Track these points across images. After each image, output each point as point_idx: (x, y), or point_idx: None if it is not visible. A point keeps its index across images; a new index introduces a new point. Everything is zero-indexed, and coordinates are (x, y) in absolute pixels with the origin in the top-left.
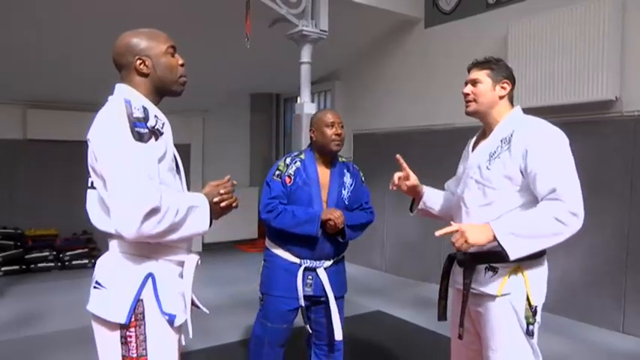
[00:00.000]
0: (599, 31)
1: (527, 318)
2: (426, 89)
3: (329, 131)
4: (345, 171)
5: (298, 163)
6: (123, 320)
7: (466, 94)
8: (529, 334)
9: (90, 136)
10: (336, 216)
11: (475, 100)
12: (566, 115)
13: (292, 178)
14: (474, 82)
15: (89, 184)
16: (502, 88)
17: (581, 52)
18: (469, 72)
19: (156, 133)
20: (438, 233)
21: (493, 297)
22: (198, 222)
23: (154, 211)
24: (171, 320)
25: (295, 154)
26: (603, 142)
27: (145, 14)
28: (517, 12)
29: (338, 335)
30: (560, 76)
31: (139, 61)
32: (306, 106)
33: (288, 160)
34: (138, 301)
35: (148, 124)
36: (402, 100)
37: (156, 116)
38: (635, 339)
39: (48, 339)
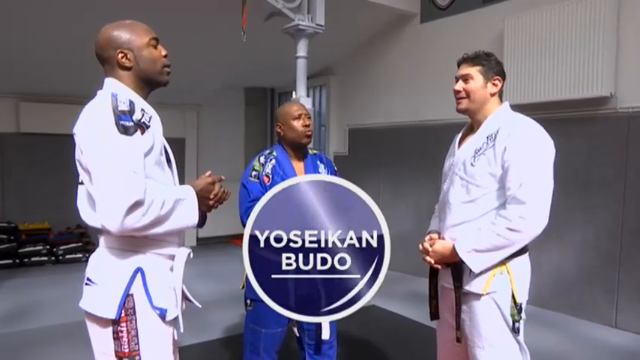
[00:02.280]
0: (595, 27)
1: (512, 315)
2: (421, 84)
3: (297, 124)
4: (319, 162)
5: (273, 161)
6: (113, 316)
7: (457, 91)
8: (515, 331)
9: (75, 129)
10: None
11: (467, 97)
12: (561, 111)
13: (270, 177)
14: (465, 79)
15: (80, 180)
16: (494, 85)
17: (577, 48)
18: (459, 67)
19: (142, 127)
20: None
21: (478, 295)
22: (186, 215)
23: (137, 204)
24: (162, 315)
25: (267, 152)
26: (597, 138)
27: (138, 8)
28: (513, 8)
29: (325, 334)
30: (555, 72)
31: (120, 55)
32: (302, 100)
33: (262, 159)
34: (127, 296)
35: (134, 117)
36: (397, 95)
37: (142, 109)
38: (628, 334)
39: (41, 333)
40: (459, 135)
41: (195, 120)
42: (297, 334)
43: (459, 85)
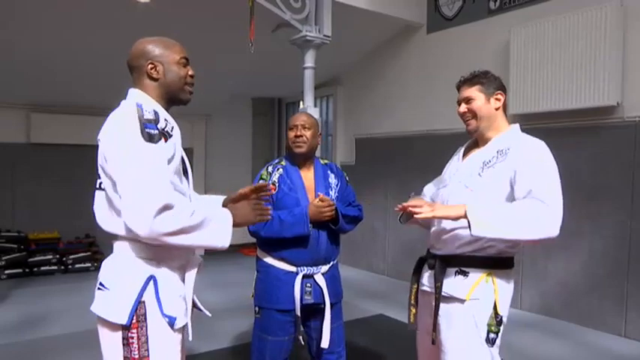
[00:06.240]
0: (601, 36)
1: (489, 326)
2: (427, 94)
3: (291, 134)
4: (329, 172)
5: (281, 170)
6: (124, 321)
7: (463, 113)
8: (489, 341)
9: (100, 136)
10: (323, 205)
11: (474, 117)
12: (567, 121)
13: (277, 185)
14: (468, 100)
15: (97, 185)
16: (496, 100)
17: (584, 58)
18: (459, 90)
19: (165, 135)
20: (399, 207)
21: (461, 301)
22: (217, 235)
23: (165, 208)
24: (171, 322)
25: (276, 161)
26: (605, 147)
27: (146, 20)
28: (519, 18)
29: (324, 343)
30: (562, 82)
31: (150, 65)
32: (310, 110)
33: (270, 169)
34: (139, 302)
35: (159, 126)
36: (403, 105)
37: (165, 119)
38: (637, 343)
39: (51, 342)
40: (463, 148)
41: (204, 130)
42: (302, 343)
43: (463, 108)
